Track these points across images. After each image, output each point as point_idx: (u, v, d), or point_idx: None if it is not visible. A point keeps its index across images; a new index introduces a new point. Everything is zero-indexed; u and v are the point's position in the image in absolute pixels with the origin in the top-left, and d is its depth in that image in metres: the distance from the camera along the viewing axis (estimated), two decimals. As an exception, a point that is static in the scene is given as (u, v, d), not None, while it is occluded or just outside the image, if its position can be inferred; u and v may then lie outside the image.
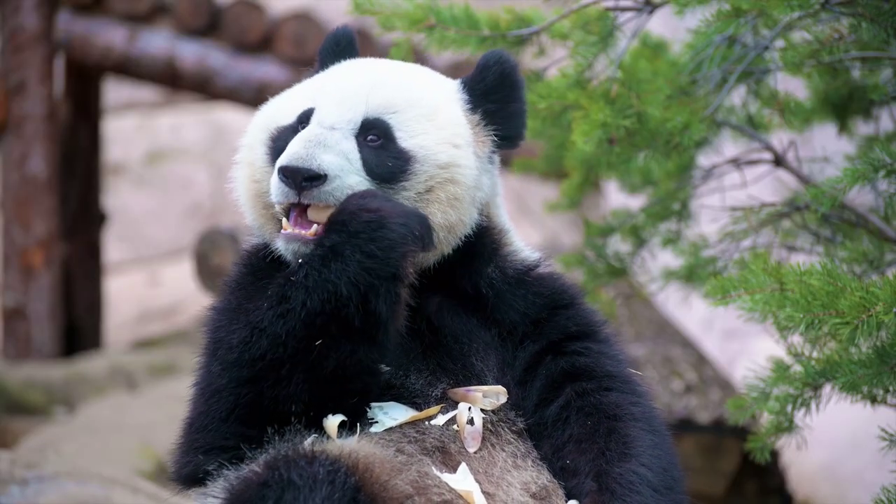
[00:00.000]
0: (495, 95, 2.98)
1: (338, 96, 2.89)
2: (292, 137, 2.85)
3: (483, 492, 2.72)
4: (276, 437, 2.74)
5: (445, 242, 2.87)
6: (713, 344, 6.72)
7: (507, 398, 2.86)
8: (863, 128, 4.38)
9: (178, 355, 9.12)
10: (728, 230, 4.18)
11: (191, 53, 9.77)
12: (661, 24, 4.29)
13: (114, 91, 13.22)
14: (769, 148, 4.14)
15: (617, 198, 6.33)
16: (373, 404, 2.80)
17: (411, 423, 2.79)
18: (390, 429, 2.77)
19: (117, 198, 14.12)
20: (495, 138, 2.98)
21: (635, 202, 4.68)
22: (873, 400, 3.49)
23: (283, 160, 2.78)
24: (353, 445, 2.71)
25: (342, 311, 2.70)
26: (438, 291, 2.88)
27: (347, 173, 2.80)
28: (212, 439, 2.78)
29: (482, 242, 2.95)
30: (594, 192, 6.67)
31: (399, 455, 2.73)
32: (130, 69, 9.97)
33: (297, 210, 2.81)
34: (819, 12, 3.53)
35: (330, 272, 2.70)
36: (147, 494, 4.58)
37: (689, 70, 3.78)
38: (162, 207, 14.75)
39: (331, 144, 2.81)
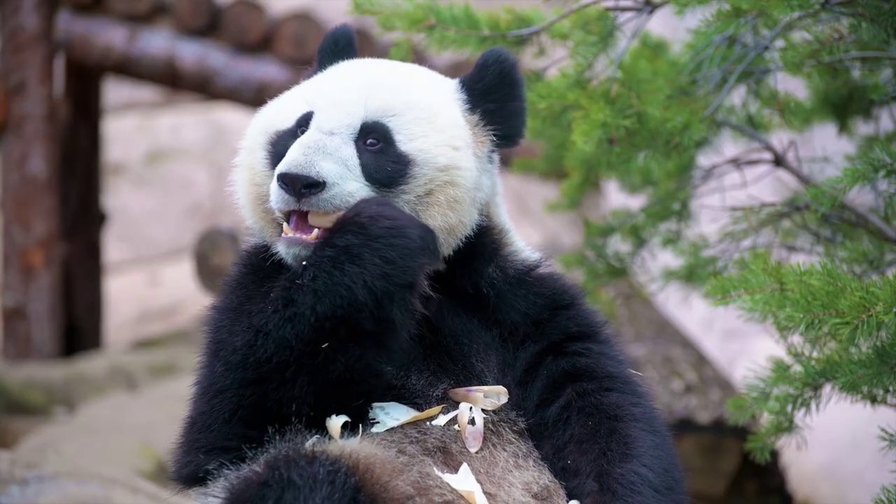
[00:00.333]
0: (495, 95, 2.97)
1: (336, 100, 2.88)
2: (292, 142, 2.85)
3: (484, 492, 2.72)
4: (277, 438, 2.73)
5: (446, 245, 2.87)
6: (713, 344, 6.71)
7: (508, 398, 2.86)
8: (863, 128, 4.37)
9: (178, 355, 9.12)
10: (728, 230, 4.18)
11: (191, 53, 9.77)
12: (661, 24, 4.29)
13: (114, 91, 13.22)
14: (769, 148, 4.14)
15: (617, 198, 6.33)
16: (374, 405, 2.79)
17: (412, 424, 2.79)
18: (392, 429, 2.77)
19: (117, 198, 14.12)
20: (494, 138, 2.98)
21: (635, 202, 4.68)
22: (873, 400, 3.49)
23: (282, 167, 2.77)
24: (353, 446, 2.71)
25: (354, 316, 2.69)
26: (439, 291, 2.88)
27: (346, 180, 2.79)
28: (213, 439, 2.77)
29: (482, 242, 2.95)
30: (594, 192, 6.67)
31: (400, 455, 2.73)
32: (130, 69, 9.97)
33: (298, 215, 2.80)
34: (819, 12, 3.52)
35: (344, 275, 2.69)
36: (147, 494, 4.58)
37: (689, 70, 3.78)
38: (162, 207, 14.75)
39: (330, 151, 2.80)
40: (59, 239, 9.72)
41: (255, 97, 9.66)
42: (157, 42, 9.80)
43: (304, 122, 2.89)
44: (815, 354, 3.49)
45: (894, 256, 3.89)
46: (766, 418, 3.59)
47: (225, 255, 7.72)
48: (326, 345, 2.69)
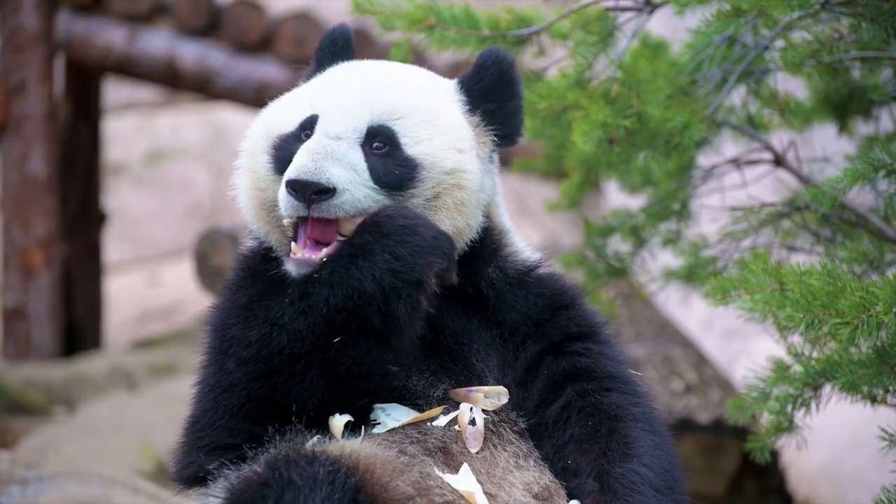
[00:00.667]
0: (494, 95, 2.98)
1: (341, 103, 2.87)
2: (296, 146, 2.84)
3: (485, 492, 2.72)
4: (278, 437, 2.74)
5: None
6: (713, 344, 6.71)
7: (509, 398, 2.86)
8: (863, 128, 4.37)
9: (178, 355, 9.12)
10: (728, 230, 4.18)
11: (191, 53, 9.77)
12: (661, 24, 4.29)
13: (114, 91, 13.22)
14: (769, 148, 4.14)
15: (617, 198, 6.33)
16: (375, 405, 2.80)
17: (413, 424, 2.79)
18: (392, 430, 2.78)
19: (117, 198, 14.12)
20: (495, 137, 2.98)
21: (635, 202, 4.68)
22: (873, 400, 3.49)
23: (291, 173, 2.76)
24: (354, 446, 2.71)
25: (363, 310, 2.71)
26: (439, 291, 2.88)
27: (356, 185, 2.80)
28: (218, 437, 2.77)
29: (483, 243, 2.95)
30: (594, 192, 6.67)
31: (401, 456, 2.73)
32: (130, 69, 9.97)
33: (309, 223, 2.80)
34: (819, 12, 3.52)
35: (356, 269, 2.71)
36: (147, 494, 4.58)
37: (689, 70, 3.78)
38: (162, 207, 14.75)
39: (338, 156, 2.79)
40: (59, 239, 9.72)
41: (255, 97, 9.66)
42: (157, 42, 9.80)
43: (307, 126, 2.88)
44: (815, 354, 3.49)
45: (894, 256, 3.89)
46: (766, 418, 3.59)
47: (225, 255, 7.72)
48: (338, 339, 2.70)
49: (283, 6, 10.32)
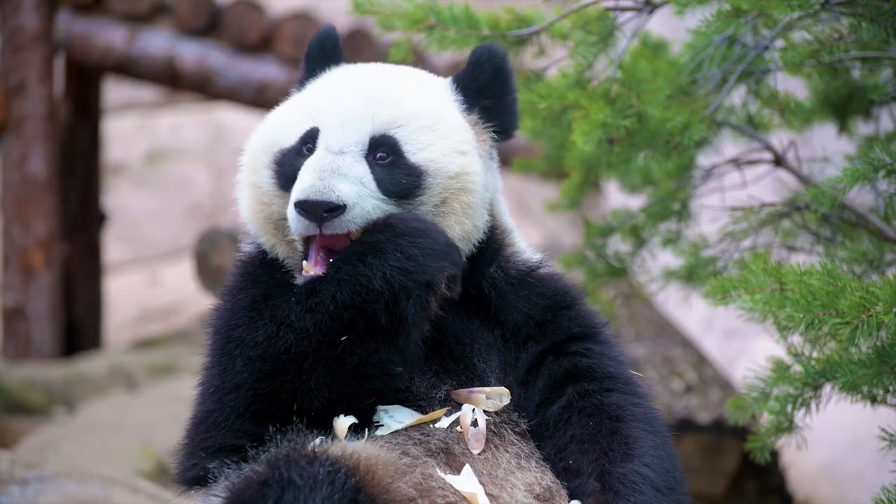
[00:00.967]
0: (490, 91, 2.98)
1: (341, 116, 2.86)
2: (298, 161, 2.84)
3: (487, 493, 2.72)
4: (280, 437, 2.74)
5: (464, 253, 2.88)
6: (713, 344, 6.72)
7: (511, 399, 2.86)
8: (863, 128, 4.37)
9: (178, 355, 9.12)
10: (728, 230, 4.18)
11: (191, 53, 9.77)
12: (661, 24, 4.29)
13: (114, 91, 13.22)
14: (769, 148, 4.14)
15: (617, 198, 6.33)
16: (378, 407, 2.80)
17: (416, 426, 2.79)
18: (395, 432, 2.78)
19: (117, 198, 14.13)
20: (493, 134, 2.99)
21: (635, 202, 4.68)
22: (873, 400, 3.50)
23: (299, 194, 2.75)
24: (355, 447, 2.71)
25: (371, 307, 2.71)
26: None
27: (365, 198, 2.79)
28: (222, 438, 2.77)
29: (486, 242, 2.95)
30: (594, 192, 6.67)
31: (404, 457, 2.73)
32: (130, 69, 9.97)
33: (317, 241, 2.79)
34: (819, 12, 3.52)
35: (365, 266, 2.71)
36: (147, 494, 4.58)
37: (689, 70, 3.78)
38: (162, 207, 14.75)
39: (344, 171, 2.79)
40: (59, 239, 9.72)
41: (255, 97, 9.67)
42: (157, 42, 9.80)
43: (308, 140, 2.87)
44: (815, 354, 3.49)
45: (894, 256, 3.90)
46: (766, 418, 3.60)
47: (225, 255, 7.72)
48: (345, 337, 2.70)
49: (283, 6, 10.32)
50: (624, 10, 3.79)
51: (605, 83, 3.71)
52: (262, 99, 9.49)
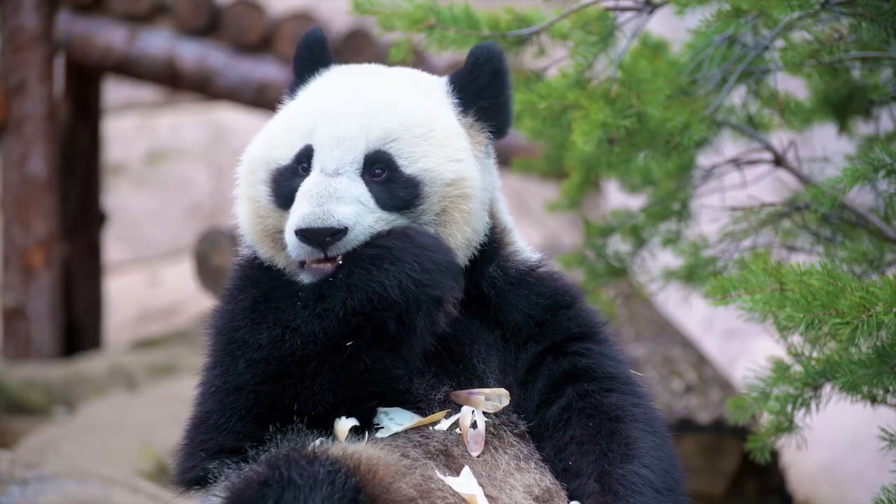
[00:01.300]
0: (488, 92, 2.97)
1: (334, 134, 2.84)
2: (295, 181, 2.83)
3: (486, 495, 2.72)
4: (279, 438, 2.74)
5: (464, 258, 2.88)
6: (713, 344, 6.72)
7: (510, 400, 2.85)
8: (863, 128, 4.37)
9: (178, 355, 9.12)
10: (728, 230, 4.18)
11: (191, 53, 9.77)
12: (661, 24, 4.29)
13: (114, 91, 13.22)
14: (769, 148, 4.14)
15: (617, 198, 6.33)
16: (378, 409, 2.80)
17: (415, 428, 2.79)
18: (395, 434, 2.78)
19: (117, 198, 14.13)
20: (489, 133, 2.98)
21: (635, 202, 4.68)
22: (873, 400, 3.49)
23: (299, 223, 2.75)
24: (356, 448, 2.71)
25: (381, 315, 2.71)
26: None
27: (365, 215, 2.79)
28: (222, 439, 2.77)
29: (484, 241, 2.95)
30: (594, 192, 6.67)
31: (403, 459, 2.73)
32: (130, 69, 9.97)
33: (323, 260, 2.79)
34: (819, 12, 3.52)
35: (380, 272, 2.71)
36: (147, 494, 4.58)
37: (689, 70, 3.78)
38: (162, 207, 14.75)
39: (341, 193, 2.78)
40: (59, 239, 9.72)
41: (255, 97, 9.67)
42: (157, 42, 9.80)
43: (303, 159, 2.86)
44: (815, 354, 3.49)
45: (894, 256, 3.89)
46: (766, 418, 3.59)
47: (225, 255, 7.73)
48: (350, 343, 2.70)
49: (283, 6, 10.31)
50: (624, 10, 3.79)
51: (605, 83, 3.71)
52: (262, 99, 9.50)
